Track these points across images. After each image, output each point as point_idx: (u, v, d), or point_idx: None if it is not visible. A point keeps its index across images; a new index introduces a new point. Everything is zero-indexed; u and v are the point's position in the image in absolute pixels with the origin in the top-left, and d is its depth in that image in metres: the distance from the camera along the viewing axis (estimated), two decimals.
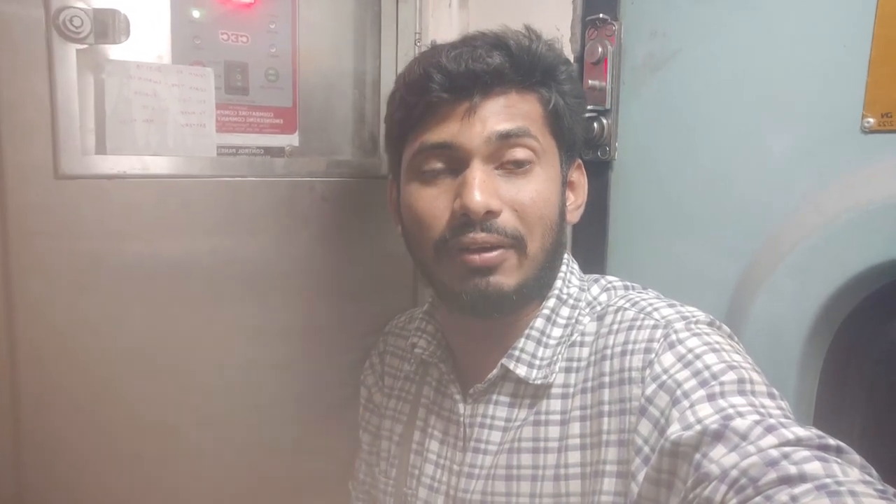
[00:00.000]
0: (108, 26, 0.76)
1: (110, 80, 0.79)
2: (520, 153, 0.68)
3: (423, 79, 0.68)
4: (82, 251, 0.78)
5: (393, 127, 0.75)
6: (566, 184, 0.75)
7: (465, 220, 0.66)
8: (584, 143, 0.95)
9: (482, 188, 0.65)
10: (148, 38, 0.81)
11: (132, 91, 0.80)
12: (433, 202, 0.69)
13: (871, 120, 0.73)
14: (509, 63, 0.67)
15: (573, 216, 0.77)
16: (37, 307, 0.77)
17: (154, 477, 0.86)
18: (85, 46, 0.75)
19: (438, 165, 0.69)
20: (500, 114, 0.67)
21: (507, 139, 0.67)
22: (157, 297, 0.84)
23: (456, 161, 0.68)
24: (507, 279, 0.67)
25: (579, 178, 0.78)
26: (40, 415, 0.78)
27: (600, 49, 0.93)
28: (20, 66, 0.73)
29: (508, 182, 0.68)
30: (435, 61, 0.67)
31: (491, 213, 0.66)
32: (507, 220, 0.67)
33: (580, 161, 0.78)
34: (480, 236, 0.66)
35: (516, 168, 0.68)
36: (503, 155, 0.68)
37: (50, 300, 0.77)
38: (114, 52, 0.79)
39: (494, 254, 0.67)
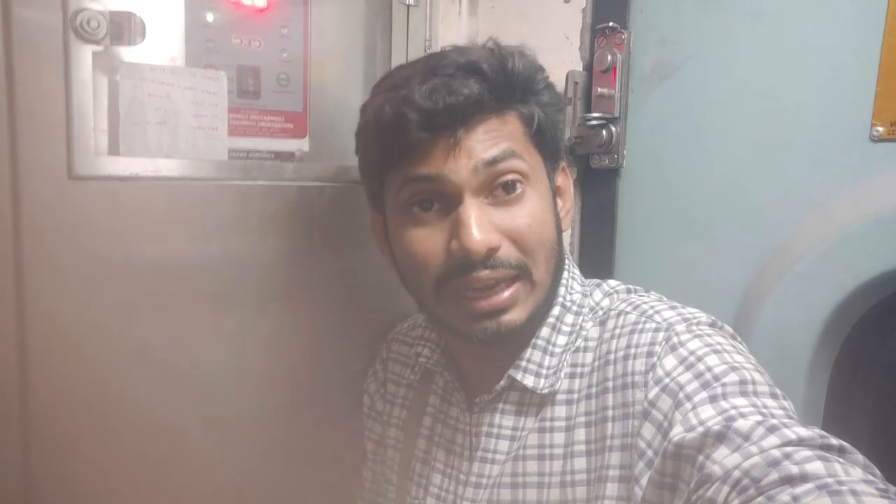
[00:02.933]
0: (124, 29, 0.77)
1: (124, 82, 0.79)
2: (509, 177, 0.66)
3: (398, 119, 0.64)
4: (93, 251, 0.79)
5: (369, 165, 0.73)
6: (556, 194, 0.74)
7: (465, 260, 0.64)
8: (586, 147, 0.96)
9: (479, 225, 0.63)
10: (162, 41, 0.82)
11: (146, 93, 0.81)
12: (426, 242, 0.67)
13: (881, 129, 0.73)
14: (487, 88, 0.64)
15: (565, 223, 0.75)
16: (47, 306, 0.77)
17: (159, 478, 0.86)
18: (101, 48, 0.76)
19: (426, 200, 0.67)
20: (484, 142, 0.65)
21: (494, 165, 0.65)
22: (166, 299, 0.84)
23: (444, 195, 0.66)
24: (518, 315, 0.67)
25: (565, 181, 0.77)
26: (49, 414, 0.78)
27: (609, 57, 0.94)
28: (37, 66, 0.73)
29: (502, 211, 0.66)
30: (408, 99, 0.63)
31: (492, 250, 0.64)
32: (508, 252, 0.65)
33: (563, 164, 0.77)
34: (485, 273, 0.64)
35: (507, 194, 0.66)
36: (492, 182, 0.65)
37: (60, 299, 0.78)
38: (128, 54, 0.79)
39: (505, 295, 0.66)
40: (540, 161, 0.71)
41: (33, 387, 0.77)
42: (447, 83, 0.63)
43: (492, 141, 0.65)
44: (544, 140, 0.71)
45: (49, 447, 0.79)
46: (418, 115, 0.63)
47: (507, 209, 0.66)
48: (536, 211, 0.67)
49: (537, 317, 0.69)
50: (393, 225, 0.72)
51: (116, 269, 0.80)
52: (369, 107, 0.70)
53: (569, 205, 0.77)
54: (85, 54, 0.75)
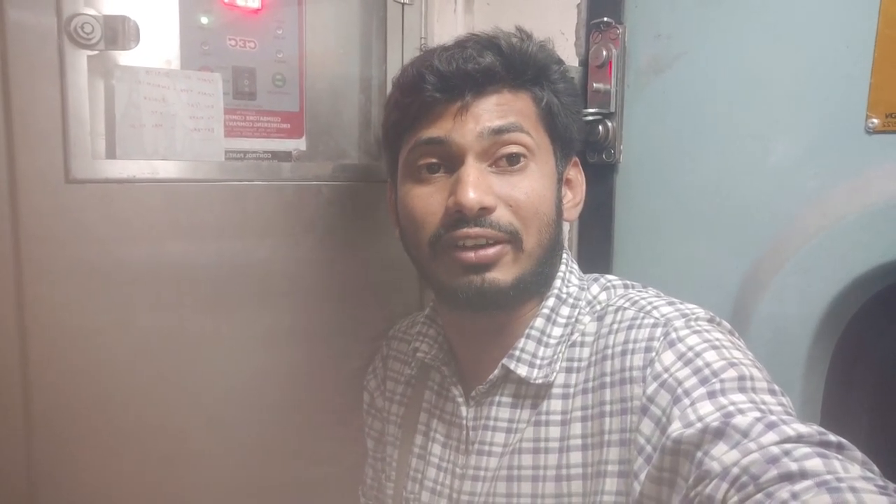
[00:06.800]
0: (118, 33, 0.77)
1: (120, 85, 0.80)
2: (513, 149, 0.68)
3: (416, 80, 0.69)
4: (92, 254, 0.79)
5: (389, 130, 0.76)
6: (562, 181, 0.75)
7: (458, 216, 0.67)
8: (582, 142, 0.95)
9: (476, 185, 0.66)
10: (157, 45, 0.82)
11: (141, 96, 0.81)
12: (427, 199, 0.70)
13: (876, 121, 0.73)
14: (500, 62, 0.68)
15: (571, 214, 0.77)
16: (47, 310, 0.77)
17: (161, 480, 0.87)
18: (95, 53, 0.76)
19: (432, 162, 0.70)
20: (492, 111, 0.68)
21: (499, 135, 0.68)
22: (165, 300, 0.84)
23: (449, 158, 0.69)
24: (503, 275, 0.68)
25: (577, 175, 0.78)
26: (51, 416, 0.79)
27: (605, 52, 0.94)
28: (32, 72, 0.73)
29: (503, 179, 0.68)
30: (427, 63, 0.68)
31: (485, 210, 0.66)
32: (501, 215, 0.67)
33: (577, 159, 0.78)
34: (474, 231, 0.66)
35: (510, 165, 0.68)
36: (496, 151, 0.68)
37: (60, 303, 0.78)
38: (124, 58, 0.80)
39: (491, 251, 0.67)
40: (548, 143, 0.72)
41: (34, 389, 0.78)
42: (464, 52, 0.68)
43: (501, 112, 0.68)
44: (555, 125, 0.73)
45: (51, 449, 0.80)
46: (434, 76, 0.68)
47: (508, 178, 0.68)
48: (537, 185, 0.69)
49: (524, 286, 0.70)
50: (400, 186, 0.74)
51: (115, 271, 0.81)
52: (398, 74, 0.75)
53: (578, 198, 0.78)
54: (80, 59, 0.75)
